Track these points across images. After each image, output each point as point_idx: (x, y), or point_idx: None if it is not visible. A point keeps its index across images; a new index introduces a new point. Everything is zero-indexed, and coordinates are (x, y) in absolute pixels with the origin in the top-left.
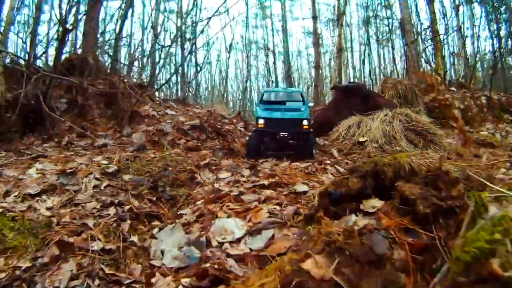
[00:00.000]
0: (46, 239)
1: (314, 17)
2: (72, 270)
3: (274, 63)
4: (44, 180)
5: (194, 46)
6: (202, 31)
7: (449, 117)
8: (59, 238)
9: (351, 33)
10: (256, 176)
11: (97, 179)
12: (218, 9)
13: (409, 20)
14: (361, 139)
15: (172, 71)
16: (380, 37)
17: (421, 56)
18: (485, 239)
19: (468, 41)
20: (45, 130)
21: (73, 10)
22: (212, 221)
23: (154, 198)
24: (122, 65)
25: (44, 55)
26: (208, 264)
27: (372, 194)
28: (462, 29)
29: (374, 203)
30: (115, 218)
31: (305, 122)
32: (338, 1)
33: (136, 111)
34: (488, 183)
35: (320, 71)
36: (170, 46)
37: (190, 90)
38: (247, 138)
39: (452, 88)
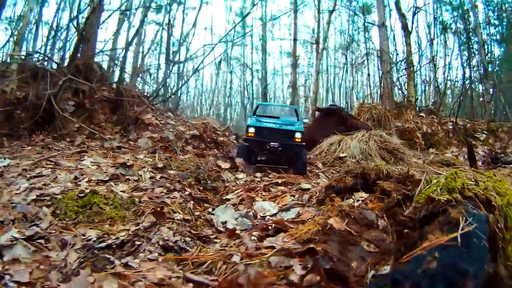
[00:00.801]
0: (137, 212)
1: (295, 39)
2: (169, 230)
3: (252, 80)
4: (104, 170)
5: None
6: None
7: (414, 140)
8: (152, 209)
9: (327, 57)
10: (267, 177)
11: (150, 172)
12: (221, 39)
13: (387, 51)
14: (341, 155)
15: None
16: (355, 62)
17: (395, 84)
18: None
19: (440, 70)
20: (54, 129)
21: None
22: (253, 203)
23: (201, 188)
24: (128, 75)
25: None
26: (268, 222)
27: (361, 189)
28: (435, 58)
29: (362, 195)
30: (181, 200)
31: (297, 135)
32: (318, 26)
33: (140, 118)
34: (429, 167)
35: (296, 90)
36: (181, 62)
37: (180, 103)
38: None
39: (422, 114)
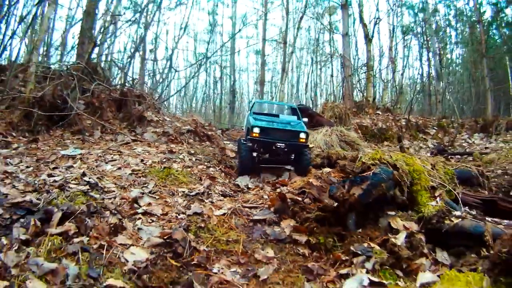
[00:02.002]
0: (197, 178)
1: (264, 39)
2: (221, 186)
3: (221, 77)
4: (156, 155)
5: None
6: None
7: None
8: (209, 175)
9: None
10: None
11: (187, 156)
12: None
13: (349, 58)
14: (310, 146)
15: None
16: (320, 60)
17: (356, 86)
18: (365, 160)
19: (400, 71)
20: (70, 125)
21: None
22: (260, 174)
23: (223, 166)
24: (131, 78)
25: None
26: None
27: (326, 166)
28: (395, 60)
29: (327, 169)
30: (216, 171)
31: (302, 135)
32: (286, 27)
33: (143, 115)
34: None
35: (263, 87)
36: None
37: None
38: (232, 146)
39: (378, 112)
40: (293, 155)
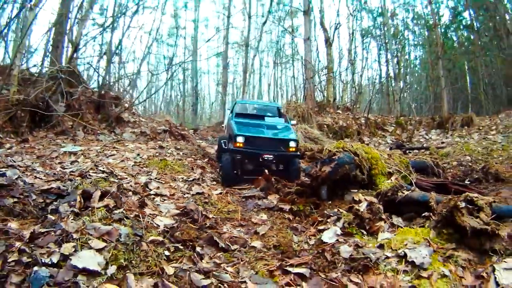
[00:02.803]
0: (190, 168)
1: (227, 43)
2: (210, 174)
3: (184, 79)
4: (147, 151)
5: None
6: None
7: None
8: (198, 165)
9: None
10: None
11: (174, 151)
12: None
13: (310, 61)
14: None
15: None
16: (281, 61)
17: (317, 87)
18: (331, 149)
19: (359, 72)
20: (53, 127)
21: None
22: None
23: (208, 159)
24: (107, 81)
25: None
26: None
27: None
28: (355, 62)
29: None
30: (203, 163)
31: (292, 144)
32: (248, 30)
33: (121, 117)
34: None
35: (226, 89)
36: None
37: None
38: (205, 144)
39: (339, 111)
40: (281, 165)
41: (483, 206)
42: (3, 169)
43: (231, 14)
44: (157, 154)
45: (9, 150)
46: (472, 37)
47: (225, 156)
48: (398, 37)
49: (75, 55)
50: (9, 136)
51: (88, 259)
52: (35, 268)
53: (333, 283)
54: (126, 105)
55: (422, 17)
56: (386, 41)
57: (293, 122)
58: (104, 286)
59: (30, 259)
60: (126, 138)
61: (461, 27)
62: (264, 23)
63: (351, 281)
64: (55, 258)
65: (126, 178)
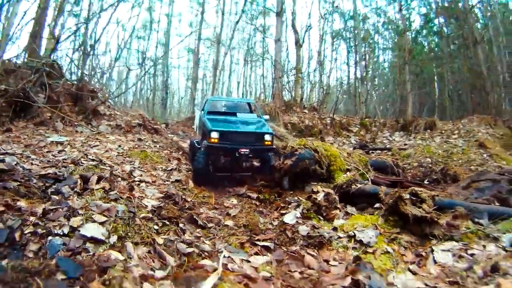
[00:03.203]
0: (167, 159)
1: (199, 39)
2: (185, 165)
3: (155, 73)
4: (128, 142)
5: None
6: None
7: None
8: (174, 157)
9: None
10: None
11: (152, 143)
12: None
13: (280, 61)
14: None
15: None
16: (251, 59)
17: (285, 87)
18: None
19: (327, 73)
20: (32, 118)
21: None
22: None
23: (182, 152)
24: (85, 74)
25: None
26: None
27: None
28: (323, 63)
29: None
30: (178, 155)
31: (267, 137)
32: (220, 27)
33: (97, 109)
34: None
35: (196, 85)
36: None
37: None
38: (177, 138)
39: (305, 111)
40: (257, 161)
41: (426, 198)
42: (1, 156)
43: (205, 10)
44: (136, 146)
45: None
46: (442, 43)
47: (199, 155)
48: (368, 40)
49: (57, 47)
50: None
51: (93, 230)
52: (50, 237)
53: (293, 254)
54: (103, 99)
55: (393, 22)
56: (356, 43)
57: (266, 117)
58: (109, 251)
59: (44, 231)
60: (102, 130)
61: (431, 33)
62: (237, 22)
63: (308, 253)
64: (66, 230)
65: (113, 166)
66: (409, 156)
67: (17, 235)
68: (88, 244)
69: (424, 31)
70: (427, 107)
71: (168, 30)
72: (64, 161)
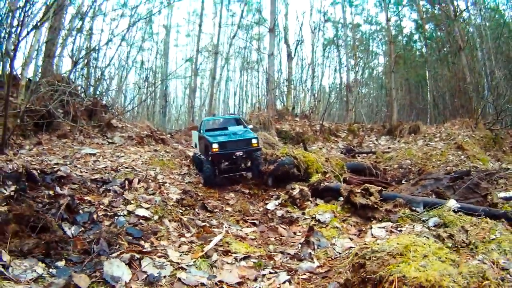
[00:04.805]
0: (179, 166)
1: (197, 51)
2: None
3: (154, 83)
4: (145, 153)
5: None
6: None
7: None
8: (185, 164)
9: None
10: None
11: (165, 152)
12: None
13: (273, 74)
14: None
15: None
16: (247, 67)
17: (278, 96)
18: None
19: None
20: (54, 131)
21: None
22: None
23: (189, 160)
24: (99, 91)
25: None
26: None
27: None
28: (315, 72)
29: None
30: (188, 162)
31: (254, 141)
32: (218, 39)
33: (110, 122)
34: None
35: (195, 94)
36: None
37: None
38: (181, 147)
39: (296, 119)
40: (249, 162)
41: (373, 192)
42: (55, 165)
43: (202, 22)
44: (153, 156)
45: (30, 151)
46: (430, 49)
47: (206, 165)
48: (359, 49)
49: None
50: (19, 138)
51: (143, 211)
52: (116, 217)
53: (271, 227)
54: (116, 113)
55: (384, 28)
56: (348, 51)
57: (250, 126)
58: (154, 224)
59: (112, 213)
60: (116, 141)
61: (421, 39)
62: (234, 36)
63: (281, 227)
64: (125, 212)
65: (142, 171)
66: (391, 158)
67: (94, 216)
68: (141, 220)
69: (415, 37)
70: (415, 111)
71: (167, 41)
72: (105, 168)
